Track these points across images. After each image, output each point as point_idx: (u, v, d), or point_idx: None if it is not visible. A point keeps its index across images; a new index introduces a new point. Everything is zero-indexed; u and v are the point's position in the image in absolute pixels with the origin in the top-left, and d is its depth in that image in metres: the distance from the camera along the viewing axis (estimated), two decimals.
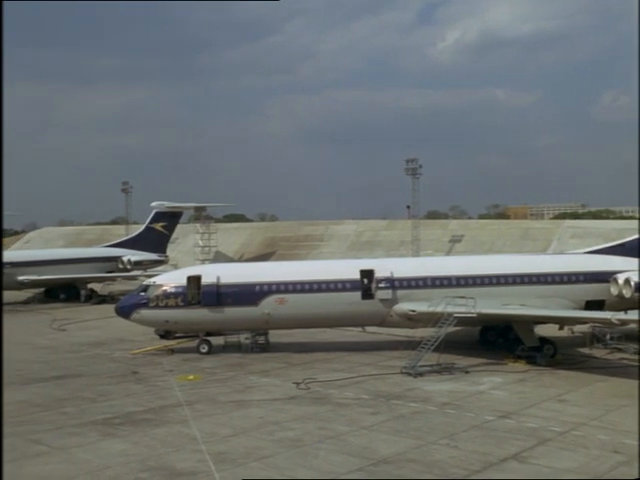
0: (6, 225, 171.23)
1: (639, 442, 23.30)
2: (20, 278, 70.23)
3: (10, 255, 77.79)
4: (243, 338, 42.11)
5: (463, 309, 35.93)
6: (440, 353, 34.89)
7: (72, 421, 26.83)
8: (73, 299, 71.55)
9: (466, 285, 40.72)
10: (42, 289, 74.99)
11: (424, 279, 41.15)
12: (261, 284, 40.15)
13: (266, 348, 41.40)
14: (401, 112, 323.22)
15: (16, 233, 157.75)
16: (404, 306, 40.02)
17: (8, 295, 73.27)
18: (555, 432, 24.60)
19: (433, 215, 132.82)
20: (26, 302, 72.26)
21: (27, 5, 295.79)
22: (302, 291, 40.29)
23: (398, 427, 25.54)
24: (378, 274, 40.66)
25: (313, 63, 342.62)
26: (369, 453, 22.62)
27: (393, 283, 40.52)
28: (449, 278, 41.12)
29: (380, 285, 40.32)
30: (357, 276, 40.87)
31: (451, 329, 36.55)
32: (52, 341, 47.07)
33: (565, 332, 41.89)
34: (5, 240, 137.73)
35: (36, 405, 29.45)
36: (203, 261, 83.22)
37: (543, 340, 37.70)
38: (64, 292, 72.90)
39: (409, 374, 33.96)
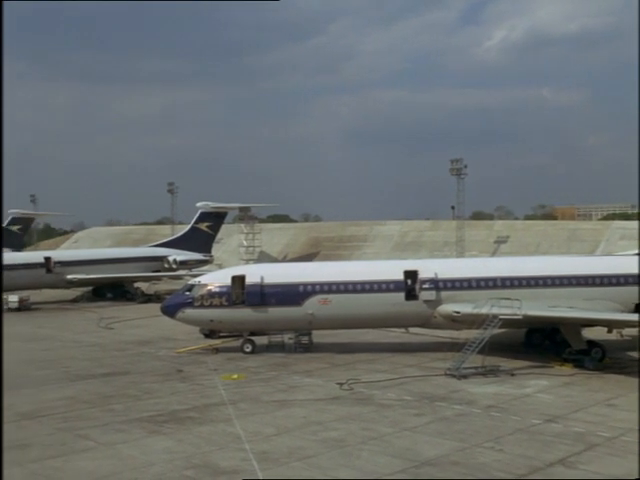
0: (55, 225, 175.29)
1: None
2: (68, 277, 71.61)
3: (59, 254, 79.53)
4: (287, 338, 42.22)
5: (508, 311, 35.41)
6: (485, 355, 34.49)
7: (118, 418, 27.23)
8: (120, 298, 72.64)
9: (511, 286, 40.16)
10: (90, 288, 76.18)
11: (469, 280, 40.74)
12: (305, 284, 40.20)
13: (309, 348, 41.44)
14: (445, 112, 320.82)
15: (65, 233, 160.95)
16: (448, 307, 39.66)
17: (57, 293, 74.97)
18: (603, 437, 24.10)
19: (478, 216, 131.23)
20: (74, 300, 73.56)
21: (75, 8, 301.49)
22: (346, 291, 40.23)
23: (442, 429, 25.32)
24: (422, 275, 40.39)
25: (356, 63, 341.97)
26: (412, 455, 22.47)
27: (437, 284, 40.20)
28: (494, 279, 40.61)
29: (424, 286, 40.04)
30: (401, 277, 40.65)
31: (496, 331, 36.07)
32: (99, 339, 47.86)
33: (614, 335, 40.99)
34: (54, 240, 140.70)
35: (84, 401, 29.96)
36: (247, 261, 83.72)
37: (591, 343, 36.99)
38: (111, 291, 74.03)
39: (453, 376, 33.65)
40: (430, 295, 39.94)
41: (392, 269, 42.02)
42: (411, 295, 40.28)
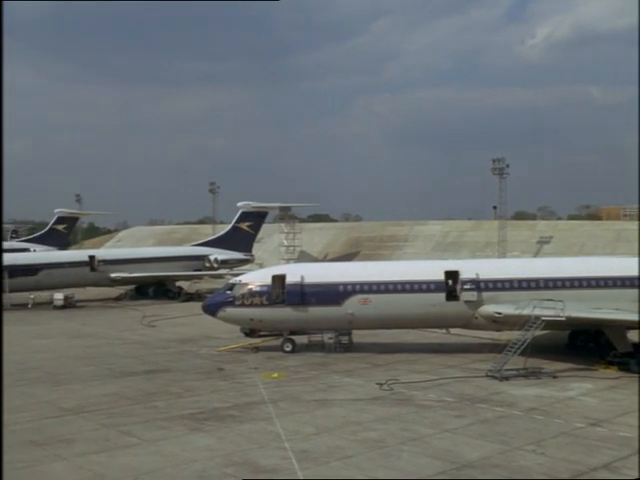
0: (99, 224, 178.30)
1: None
2: (112, 275, 72.74)
3: (103, 253, 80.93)
4: (327, 337, 42.26)
5: (551, 312, 34.92)
6: (527, 357, 34.08)
7: (160, 415, 27.58)
8: (162, 296, 73.51)
9: (554, 288, 39.61)
10: (133, 286, 77.21)
11: (510, 281, 40.30)
12: (345, 284, 40.21)
13: (349, 348, 41.43)
14: (488, 111, 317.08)
15: (109, 232, 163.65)
16: (490, 308, 39.31)
17: (101, 291, 76.19)
18: None
19: (520, 216, 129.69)
20: (118, 299, 74.62)
21: (122, 10, 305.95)
22: (386, 291, 40.14)
23: (483, 431, 25.10)
24: (463, 275, 40.09)
25: (398, 62, 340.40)
26: (453, 456, 22.32)
27: (479, 285, 39.86)
28: (537, 280, 40.11)
29: (465, 286, 39.74)
30: (442, 277, 40.41)
31: (538, 332, 35.61)
32: (142, 337, 48.53)
33: None
34: (98, 238, 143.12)
35: (127, 398, 30.41)
36: (287, 260, 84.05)
37: (637, 346, 36.26)
38: (153, 289, 74.87)
39: (494, 377, 33.32)
40: (471, 296, 39.63)
41: (433, 269, 41.80)
42: (452, 296, 40.02)
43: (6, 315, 61.14)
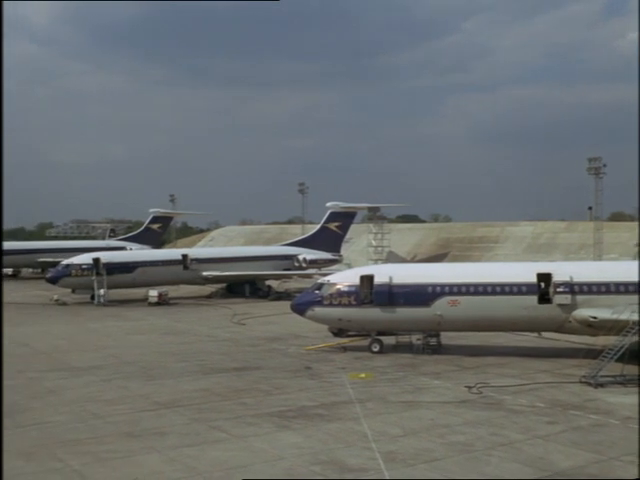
0: (192, 223, 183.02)
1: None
2: (204, 274, 74.36)
3: (195, 252, 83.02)
4: (415, 339, 41.99)
5: None
6: (624, 364, 32.82)
7: (249, 411, 28.05)
8: (252, 295, 74.64)
9: None
10: (224, 284, 78.76)
11: (607, 284, 38.93)
12: (434, 285, 39.82)
13: (438, 350, 41.00)
14: (584, 108, 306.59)
15: (201, 231, 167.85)
16: (584, 312, 38.08)
17: (193, 289, 78.18)
18: None
19: (618, 217, 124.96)
20: (209, 296, 76.33)
21: (207, 12, 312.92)
22: (476, 293, 39.50)
23: (576, 439, 24.33)
24: (556, 278, 38.99)
25: (490, 61, 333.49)
26: (544, 464, 21.74)
27: (573, 288, 38.69)
28: (635, 284, 38.55)
29: (558, 289, 38.65)
30: (534, 279, 39.44)
31: (636, 338, 34.25)
32: (232, 334, 49.45)
33: None
34: (191, 238, 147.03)
35: (217, 394, 31.07)
36: (376, 261, 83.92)
37: None
38: (244, 288, 76.08)
39: (589, 384, 32.24)
40: (565, 299, 38.50)
41: (524, 271, 40.86)
42: (544, 298, 39.00)
43: (104, 310, 63.93)
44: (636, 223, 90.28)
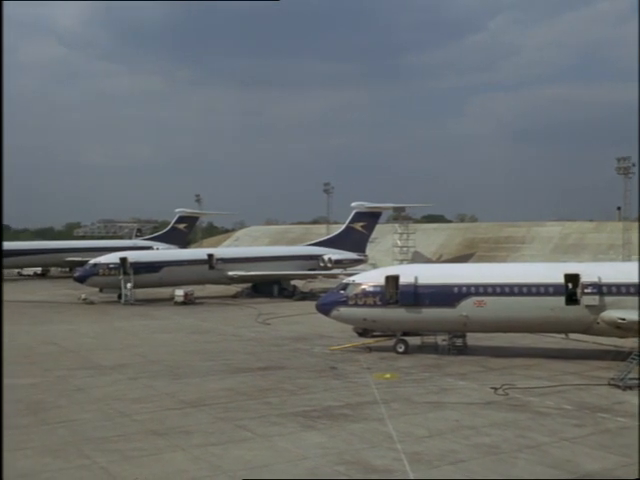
0: (218, 223, 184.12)
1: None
2: (229, 273, 74.61)
3: (221, 252, 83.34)
4: (440, 339, 41.78)
5: None
6: None
7: (274, 411, 28.09)
8: (277, 295, 74.75)
9: None
10: (249, 284, 78.97)
11: (636, 285, 38.36)
12: (459, 285, 39.57)
13: (463, 351, 40.76)
14: (613, 107, 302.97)
15: (227, 231, 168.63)
16: (613, 313, 37.59)
17: (219, 289, 78.53)
18: None
19: None
20: (234, 296, 76.62)
21: (236, 12, 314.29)
22: (502, 294, 39.17)
23: (604, 442, 24.03)
24: (584, 279, 38.51)
25: (517, 59, 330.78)
26: (572, 467, 21.50)
27: (601, 289, 38.20)
28: None
29: (586, 290, 38.18)
30: (561, 280, 39.02)
31: None
32: (257, 334, 49.59)
33: None
34: (217, 238, 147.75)
35: (242, 393, 31.16)
36: (401, 261, 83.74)
37: None
38: (269, 288, 76.18)
39: (617, 386, 31.82)
40: (593, 300, 38.03)
41: (552, 272, 40.43)
42: (572, 300, 38.56)
43: (131, 309, 64.50)
44: None
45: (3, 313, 48.40)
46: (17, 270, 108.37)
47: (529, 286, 39.18)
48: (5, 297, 76.02)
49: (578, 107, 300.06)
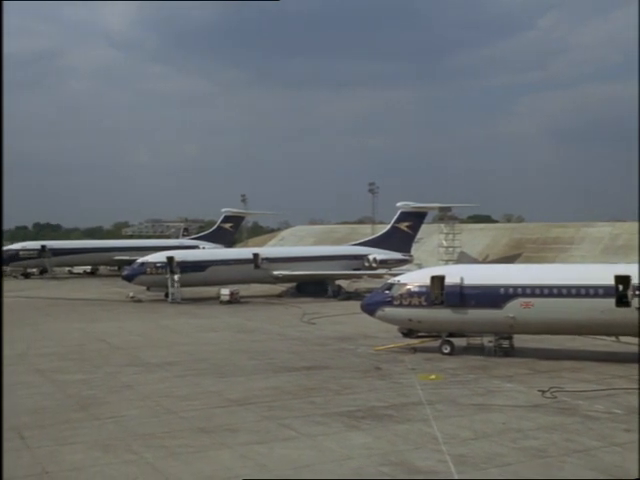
0: (263, 223, 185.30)
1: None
2: (274, 273, 75.03)
3: (266, 251, 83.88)
4: (486, 341, 41.34)
5: None
6: None
7: (319, 410, 28.15)
8: (322, 294, 74.82)
9: None
10: (294, 284, 79.22)
11: None
12: (506, 287, 39.09)
13: (510, 352, 40.24)
14: None
15: (272, 231, 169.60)
16: None
17: (264, 288, 78.95)
18: None
19: None
20: (279, 295, 76.97)
21: (280, 14, 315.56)
22: (550, 295, 38.58)
23: None
24: (635, 280, 37.69)
25: (568, 58, 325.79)
26: (622, 473, 21.07)
27: None
28: None
29: (638, 292, 37.36)
30: (611, 281, 38.22)
31: None
32: (302, 333, 49.74)
33: None
34: (262, 237, 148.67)
35: (287, 392, 31.31)
36: (446, 261, 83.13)
37: None
38: (314, 287, 76.27)
39: None
40: None
41: (601, 273, 39.62)
42: (623, 302, 37.75)
43: (177, 308, 65.35)
44: None
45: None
46: (68, 268, 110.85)
47: (578, 287, 38.48)
48: (58, 295, 78.34)
49: (629, 105, 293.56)
